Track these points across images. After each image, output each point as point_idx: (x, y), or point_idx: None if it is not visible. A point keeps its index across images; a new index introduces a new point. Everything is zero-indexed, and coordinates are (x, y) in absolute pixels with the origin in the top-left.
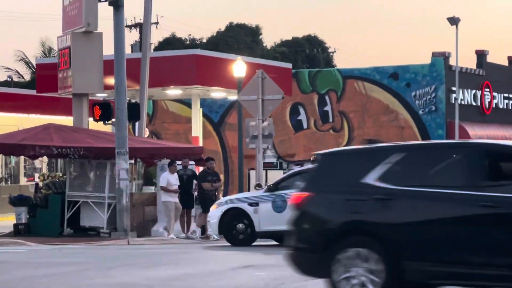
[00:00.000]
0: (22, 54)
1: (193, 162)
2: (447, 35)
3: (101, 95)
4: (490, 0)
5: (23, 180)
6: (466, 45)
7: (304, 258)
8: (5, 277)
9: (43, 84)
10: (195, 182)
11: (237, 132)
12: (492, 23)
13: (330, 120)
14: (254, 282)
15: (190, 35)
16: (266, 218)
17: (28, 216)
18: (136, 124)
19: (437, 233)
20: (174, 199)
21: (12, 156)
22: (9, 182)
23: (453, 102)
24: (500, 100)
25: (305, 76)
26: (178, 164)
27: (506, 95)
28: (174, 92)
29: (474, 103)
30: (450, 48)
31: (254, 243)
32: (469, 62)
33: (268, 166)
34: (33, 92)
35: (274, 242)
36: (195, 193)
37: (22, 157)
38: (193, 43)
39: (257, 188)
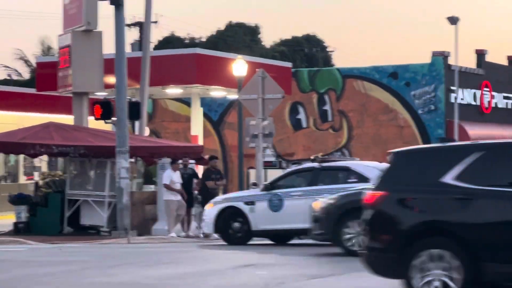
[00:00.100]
0: (21, 53)
1: (193, 161)
2: (447, 34)
3: (101, 94)
4: (489, 0)
5: (22, 179)
6: (466, 44)
7: (378, 258)
8: (6, 275)
9: (43, 82)
10: (195, 181)
11: (237, 131)
12: (491, 23)
13: (330, 119)
14: (255, 281)
15: (189, 34)
16: (262, 217)
17: (28, 215)
18: (136, 123)
19: None
20: (177, 197)
21: (11, 155)
22: (8, 181)
23: (453, 101)
24: (499, 100)
25: (304, 75)
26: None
27: (505, 94)
28: (174, 91)
29: (473, 103)
30: (449, 47)
31: (250, 242)
32: (468, 61)
33: (267, 165)
34: (33, 90)
35: (270, 242)
36: (196, 192)
37: (21, 156)
38: (193, 42)
39: (253, 187)
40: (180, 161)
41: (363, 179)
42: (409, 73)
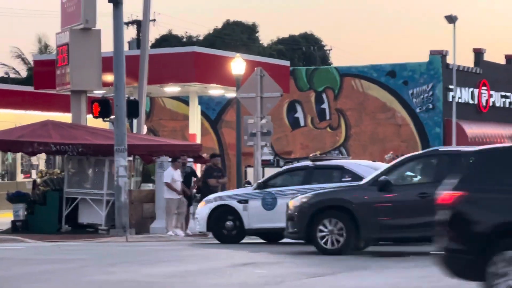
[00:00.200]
0: (19, 51)
1: (191, 159)
2: (445, 33)
3: (99, 92)
4: None
5: (20, 177)
6: (464, 43)
7: (456, 259)
8: (5, 273)
9: (40, 80)
10: (193, 179)
11: (235, 130)
12: (489, 22)
13: (327, 117)
14: (255, 279)
15: (186, 32)
16: (255, 215)
17: (26, 213)
18: (134, 121)
19: None
20: (177, 196)
21: (9, 153)
22: (6, 179)
23: (450, 100)
24: (497, 99)
25: (302, 73)
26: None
27: (503, 93)
28: (172, 89)
29: (471, 102)
30: (447, 46)
31: (243, 241)
32: (466, 60)
33: (265, 163)
34: (30, 88)
35: (261, 240)
36: (194, 190)
37: (19, 154)
38: (190, 41)
39: (246, 185)
40: (179, 160)
41: (357, 178)
42: (407, 72)
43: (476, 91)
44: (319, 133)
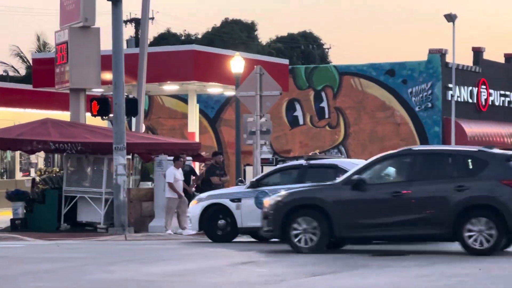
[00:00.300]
0: (18, 49)
1: (190, 158)
2: (444, 32)
3: (98, 90)
4: None
5: (19, 175)
6: (463, 42)
7: None
8: (6, 272)
9: (39, 78)
10: (192, 177)
11: (235, 128)
12: (488, 21)
13: (326, 116)
14: (255, 278)
15: (185, 30)
16: (248, 214)
17: (25, 211)
18: (133, 119)
19: None
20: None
21: (8, 151)
22: (5, 177)
23: (450, 99)
24: (496, 97)
25: (301, 72)
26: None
27: (502, 92)
28: (170, 87)
29: (470, 100)
30: (446, 45)
31: (236, 240)
32: (465, 59)
33: (264, 162)
34: (29, 87)
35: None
36: (193, 189)
37: (18, 152)
38: (188, 39)
39: (239, 183)
40: (181, 159)
41: None
42: (406, 71)
43: (475, 90)
44: (318, 132)
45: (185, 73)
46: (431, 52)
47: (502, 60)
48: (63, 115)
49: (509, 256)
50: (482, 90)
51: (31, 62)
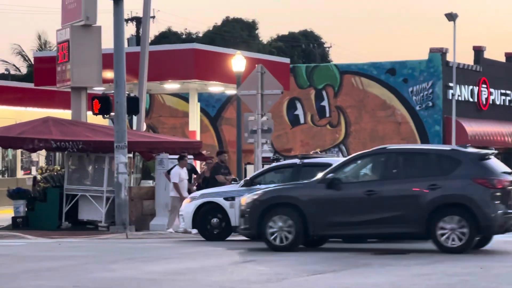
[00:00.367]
0: (19, 48)
1: (191, 156)
2: (445, 31)
3: (99, 89)
4: None
5: (20, 173)
6: (464, 41)
7: None
8: (7, 270)
9: (40, 77)
10: (194, 176)
11: (236, 127)
12: (489, 20)
13: (327, 115)
14: (256, 276)
15: (186, 29)
16: None
17: (26, 210)
18: (134, 118)
19: None
20: (184, 194)
21: (9, 149)
22: (6, 175)
23: (450, 98)
24: (497, 96)
25: (302, 71)
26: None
27: (503, 91)
28: (172, 86)
29: (471, 99)
30: (447, 44)
31: (229, 238)
32: (466, 58)
33: (265, 161)
34: (31, 85)
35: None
36: (194, 187)
37: (19, 150)
38: (189, 37)
39: (232, 182)
40: (186, 158)
41: None
42: (406, 70)
43: (476, 89)
44: (319, 131)
45: (186, 71)
46: (432, 51)
47: (502, 59)
48: (65, 114)
49: (510, 255)
50: (482, 89)
51: (32, 60)
